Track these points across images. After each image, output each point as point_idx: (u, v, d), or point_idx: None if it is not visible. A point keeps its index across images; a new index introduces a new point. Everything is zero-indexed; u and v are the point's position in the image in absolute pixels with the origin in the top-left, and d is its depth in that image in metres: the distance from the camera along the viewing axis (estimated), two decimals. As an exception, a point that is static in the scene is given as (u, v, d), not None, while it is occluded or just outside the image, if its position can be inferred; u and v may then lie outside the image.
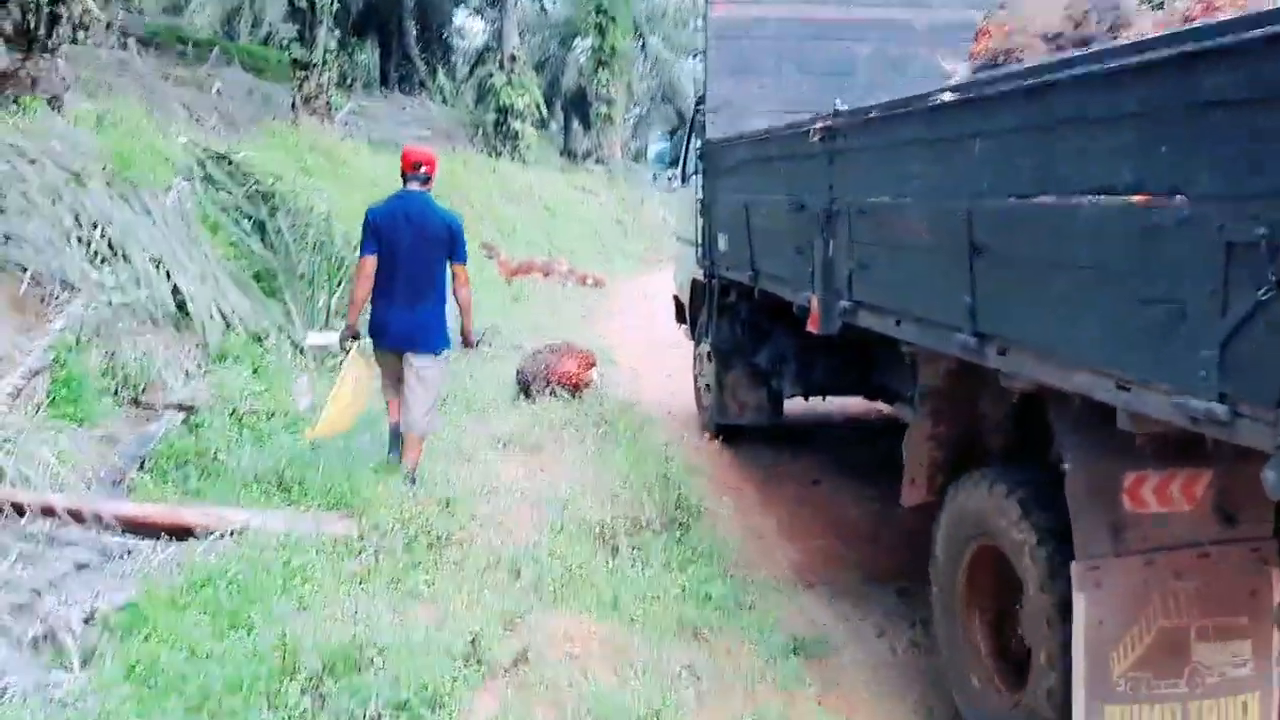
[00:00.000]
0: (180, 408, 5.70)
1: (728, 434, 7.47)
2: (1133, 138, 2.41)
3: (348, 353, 5.76)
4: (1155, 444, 2.68)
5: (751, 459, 6.73)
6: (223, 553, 4.24)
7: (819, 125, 4.43)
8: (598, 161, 32.94)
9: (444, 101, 34.17)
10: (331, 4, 18.01)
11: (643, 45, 37.13)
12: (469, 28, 41.76)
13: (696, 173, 7.55)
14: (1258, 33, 1.96)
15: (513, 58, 26.06)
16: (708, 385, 7.57)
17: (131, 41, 19.10)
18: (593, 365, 8.15)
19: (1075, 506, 2.95)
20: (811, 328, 4.65)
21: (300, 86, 18.27)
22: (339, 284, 9.15)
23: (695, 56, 41.45)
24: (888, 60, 6.50)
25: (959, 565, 3.70)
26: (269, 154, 12.16)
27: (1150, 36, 2.76)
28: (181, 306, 6.92)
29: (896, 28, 6.82)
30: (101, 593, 3.72)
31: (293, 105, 17.71)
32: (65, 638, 3.44)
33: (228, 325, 7.26)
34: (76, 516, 4.23)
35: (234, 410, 5.82)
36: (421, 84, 32.58)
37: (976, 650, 3.65)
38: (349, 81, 28.22)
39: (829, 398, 7.03)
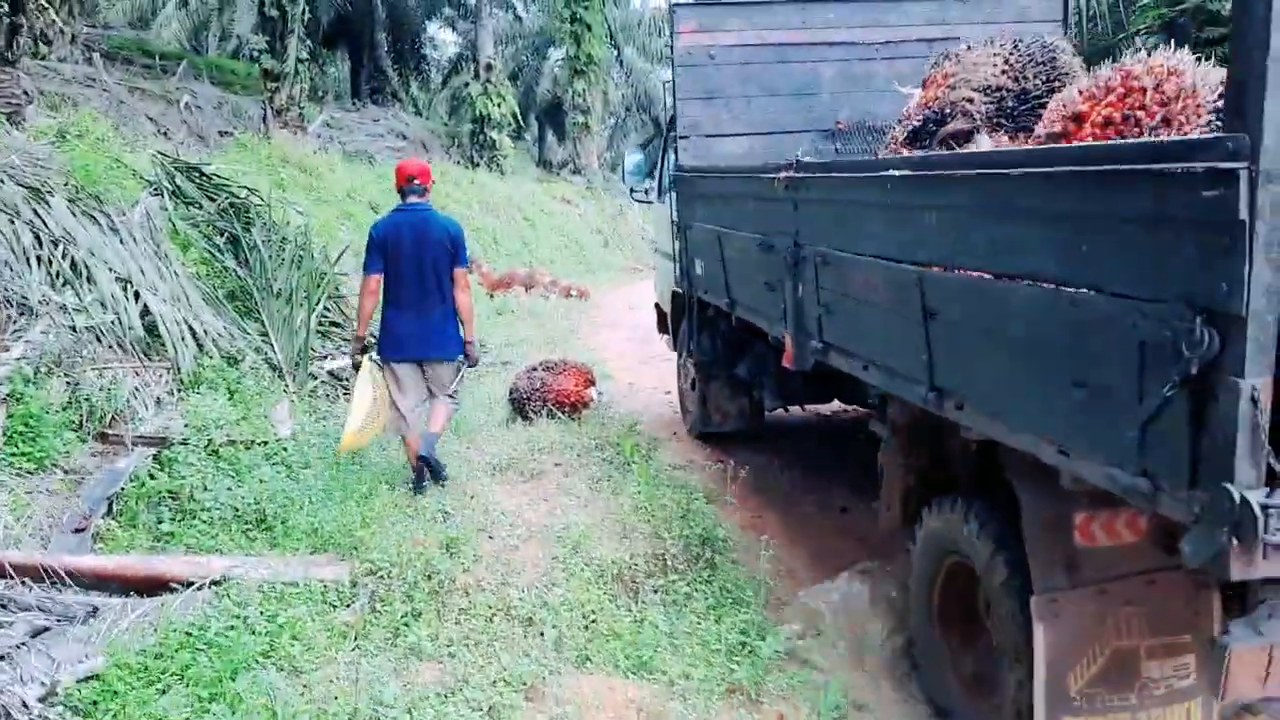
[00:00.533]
0: (150, 441, 5.21)
1: (712, 439, 7.52)
2: (1063, 234, 2.58)
3: (357, 368, 5.86)
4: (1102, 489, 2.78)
5: (768, 485, 6.23)
6: (201, 608, 3.78)
7: (782, 175, 4.50)
8: (575, 172, 32.57)
9: (418, 113, 33.73)
10: (303, 13, 17.55)
11: (618, 54, 36.79)
12: (441, 39, 41.41)
13: (672, 189, 7.61)
14: (1156, 166, 2.17)
15: (489, 66, 25.63)
16: (691, 389, 7.73)
17: (97, 56, 18.53)
18: (592, 383, 7.71)
19: (1031, 545, 3.15)
20: (787, 363, 4.81)
21: (271, 98, 17.77)
22: (318, 301, 8.68)
23: (669, 67, 41.34)
24: (850, 77, 6.63)
25: (935, 581, 3.90)
26: (241, 167, 11.70)
27: (1080, 145, 3.07)
28: (151, 329, 6.44)
29: (856, 47, 7.07)
30: (62, 664, 3.26)
31: (264, 118, 17.22)
32: None
33: (201, 348, 6.80)
34: (33, 574, 3.75)
35: (209, 442, 5.33)
36: (394, 96, 32.10)
37: (951, 660, 3.87)
38: (321, 94, 27.73)
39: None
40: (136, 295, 6.45)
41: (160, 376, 6.19)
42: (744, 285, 5.68)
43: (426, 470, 5.65)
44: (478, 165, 24.38)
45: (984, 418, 3.15)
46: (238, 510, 4.72)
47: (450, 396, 5.89)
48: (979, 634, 3.76)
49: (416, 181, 5.82)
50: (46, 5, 16.29)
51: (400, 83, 34.38)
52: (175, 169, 8.75)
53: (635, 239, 29.49)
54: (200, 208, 8.55)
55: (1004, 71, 4.16)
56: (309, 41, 18.74)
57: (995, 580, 3.41)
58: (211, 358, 6.73)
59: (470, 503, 5.46)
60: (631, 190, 10.16)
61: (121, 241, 6.81)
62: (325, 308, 9.00)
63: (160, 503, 4.77)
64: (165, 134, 15.21)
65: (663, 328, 9.07)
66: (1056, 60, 4.21)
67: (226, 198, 8.75)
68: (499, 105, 25.66)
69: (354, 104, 27.80)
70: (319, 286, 8.92)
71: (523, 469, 6.17)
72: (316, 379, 7.79)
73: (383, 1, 29.57)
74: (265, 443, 5.69)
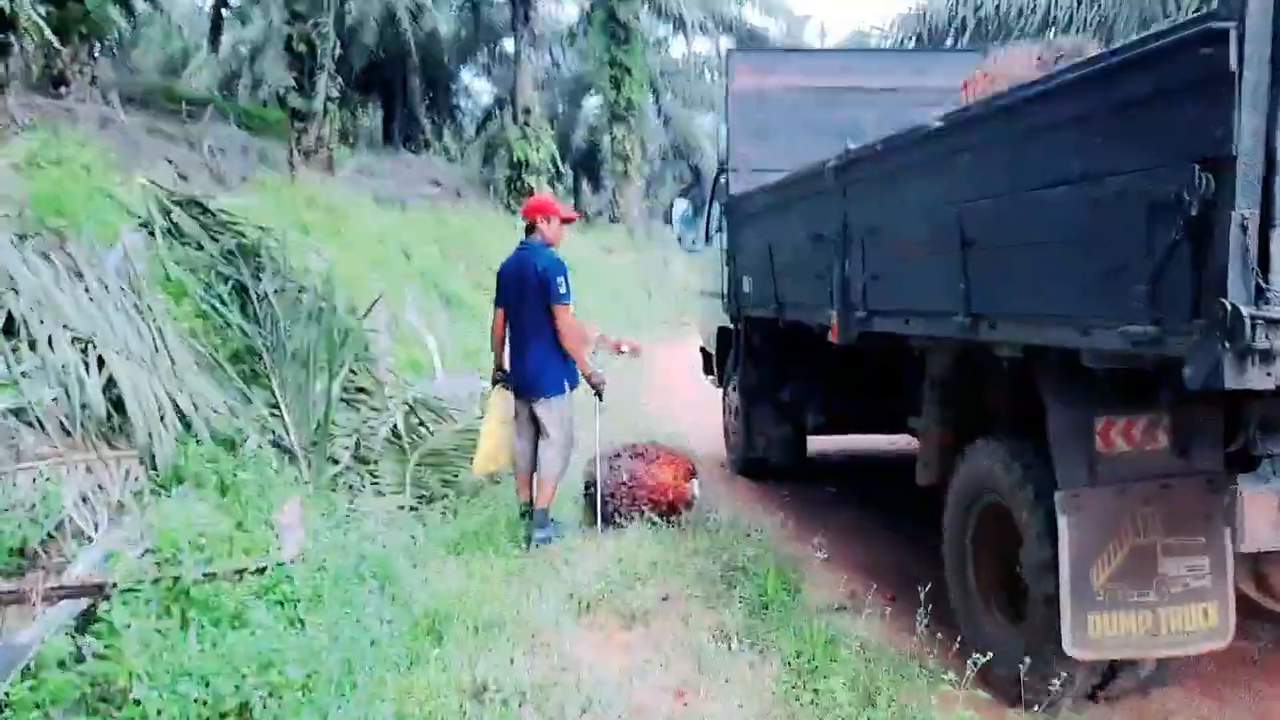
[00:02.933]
0: (82, 591, 3.51)
1: (754, 470, 7.85)
2: (1079, 137, 3.04)
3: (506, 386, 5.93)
4: (1121, 391, 3.33)
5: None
6: None
7: (833, 162, 5.04)
8: (613, 220, 31.22)
9: (451, 161, 32.59)
10: (333, 49, 16.26)
11: (656, 100, 35.63)
12: (475, 88, 40.52)
13: (720, 230, 8.19)
14: (1153, 46, 2.70)
15: (527, 110, 24.33)
16: (735, 423, 8.12)
17: (114, 95, 17.31)
18: (693, 474, 6.02)
19: (1057, 448, 3.51)
20: (833, 338, 5.17)
21: (299, 139, 16.51)
22: (342, 364, 7.08)
23: (710, 112, 40.34)
24: (892, 123, 6.45)
25: (968, 523, 4.26)
26: (260, 208, 10.22)
27: (1085, 58, 3.36)
28: (119, 406, 4.87)
29: (899, 93, 7.33)
30: None
31: (290, 158, 15.88)
32: None
33: (188, 428, 5.20)
34: None
35: (175, 582, 3.61)
36: (426, 143, 31.01)
37: (985, 595, 4.17)
38: (352, 140, 26.62)
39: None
40: (100, 361, 4.89)
41: (126, 473, 4.59)
42: (791, 285, 6.20)
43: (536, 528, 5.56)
44: (515, 212, 22.96)
45: (1015, 327, 3.54)
46: (203, 707, 3.02)
47: (550, 444, 5.68)
48: (1010, 571, 3.93)
49: (531, 219, 5.87)
50: (60, 47, 15.20)
51: (433, 130, 33.40)
52: (172, 202, 7.23)
53: (680, 291, 27.96)
54: (201, 249, 7.01)
55: (1037, 67, 4.44)
56: (339, 80, 17.43)
57: (1027, 502, 3.70)
58: (201, 442, 5.12)
59: (550, 665, 3.77)
60: (679, 239, 10.39)
61: (87, 290, 5.25)
62: (352, 370, 7.42)
63: (82, 707, 3.08)
64: (184, 177, 13.91)
65: (708, 369, 9.54)
66: (1084, 53, 4.32)
67: (233, 238, 7.21)
68: (537, 149, 24.33)
69: (386, 150, 26.61)
70: (344, 345, 7.34)
71: (619, 607, 4.44)
72: (338, 464, 6.16)
73: (416, 48, 28.46)
74: (263, 569, 4.03)
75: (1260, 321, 2.45)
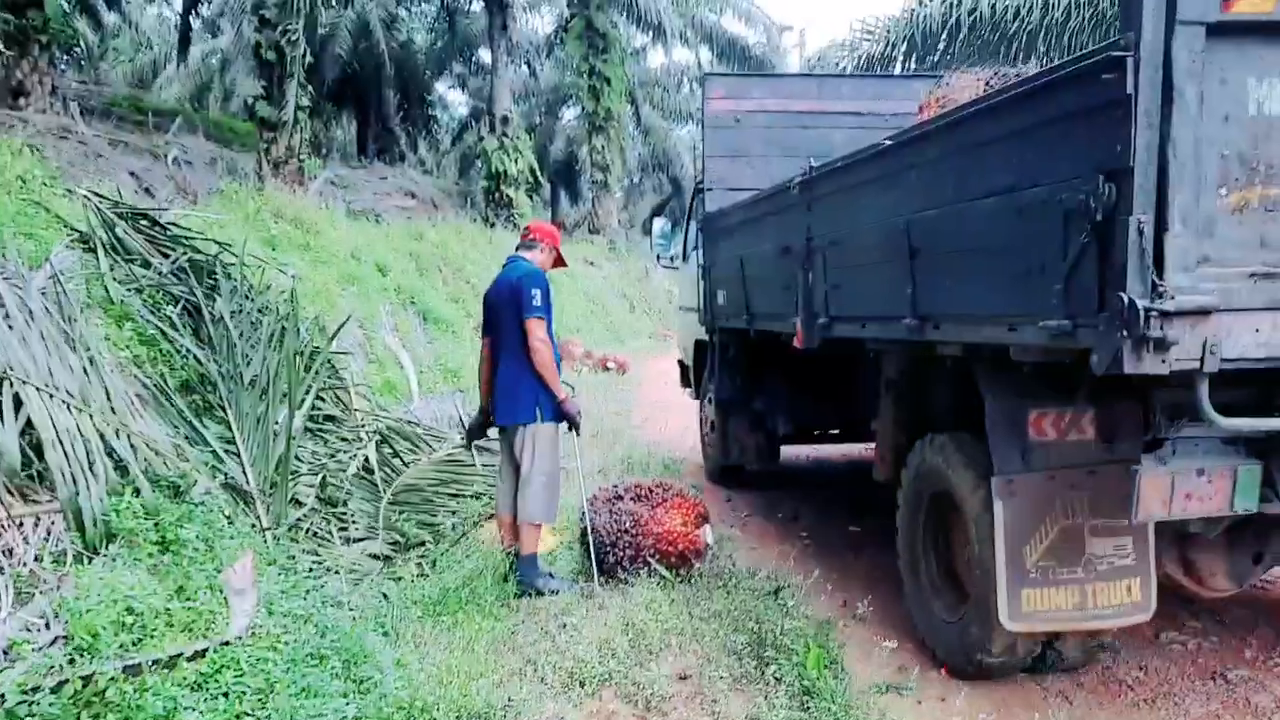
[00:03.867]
0: None
1: (728, 477, 8.27)
2: (1005, 153, 3.38)
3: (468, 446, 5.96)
4: (1050, 387, 3.68)
5: None
6: None
7: (798, 179, 5.40)
8: (593, 231, 30.59)
9: (427, 173, 31.89)
10: (304, 57, 15.53)
11: (635, 111, 35.08)
12: (451, 99, 39.87)
13: (697, 247, 8.53)
14: (1063, 73, 3.03)
15: (505, 119, 23.62)
16: (711, 432, 8.47)
17: (74, 106, 16.54)
18: (705, 519, 5.34)
19: (993, 438, 3.77)
20: (797, 344, 5.48)
21: (267, 150, 15.76)
22: (307, 391, 6.40)
23: (688, 123, 39.82)
24: (859, 144, 6.61)
25: (919, 514, 4.63)
26: (223, 221, 9.51)
27: (1012, 81, 3.86)
28: (40, 451, 4.17)
29: (864, 116, 7.72)
30: None
31: (258, 169, 15.14)
32: None
33: (124, 474, 4.51)
34: None
35: (86, 684, 2.89)
36: (401, 155, 30.28)
37: (933, 581, 4.55)
38: (324, 151, 25.87)
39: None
40: (16, 401, 4.19)
41: (46, 532, 3.89)
42: (761, 296, 6.52)
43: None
44: (493, 225, 22.28)
45: (955, 327, 3.90)
46: None
47: (527, 484, 5.09)
48: (958, 556, 4.37)
49: (530, 235, 5.49)
50: (19, 57, 14.49)
51: (408, 142, 32.72)
52: (117, 215, 6.53)
53: (662, 303, 27.35)
54: (148, 267, 6.31)
55: (983, 91, 4.77)
56: (310, 90, 16.70)
57: (970, 489, 4.04)
58: (139, 491, 4.42)
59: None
60: (659, 257, 10.58)
61: (6, 317, 4.55)
62: (319, 397, 6.73)
63: None
64: (148, 190, 13.17)
65: (685, 381, 9.83)
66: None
67: (185, 254, 6.50)
68: (516, 160, 23.62)
69: (360, 161, 25.88)
70: (309, 369, 6.66)
71: (630, 690, 3.73)
72: (302, 506, 5.47)
73: (390, 58, 27.75)
74: (202, 653, 3.35)
75: (1154, 314, 2.73)
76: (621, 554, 5.01)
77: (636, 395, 13.01)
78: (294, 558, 4.79)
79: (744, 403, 7.80)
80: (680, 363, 10.13)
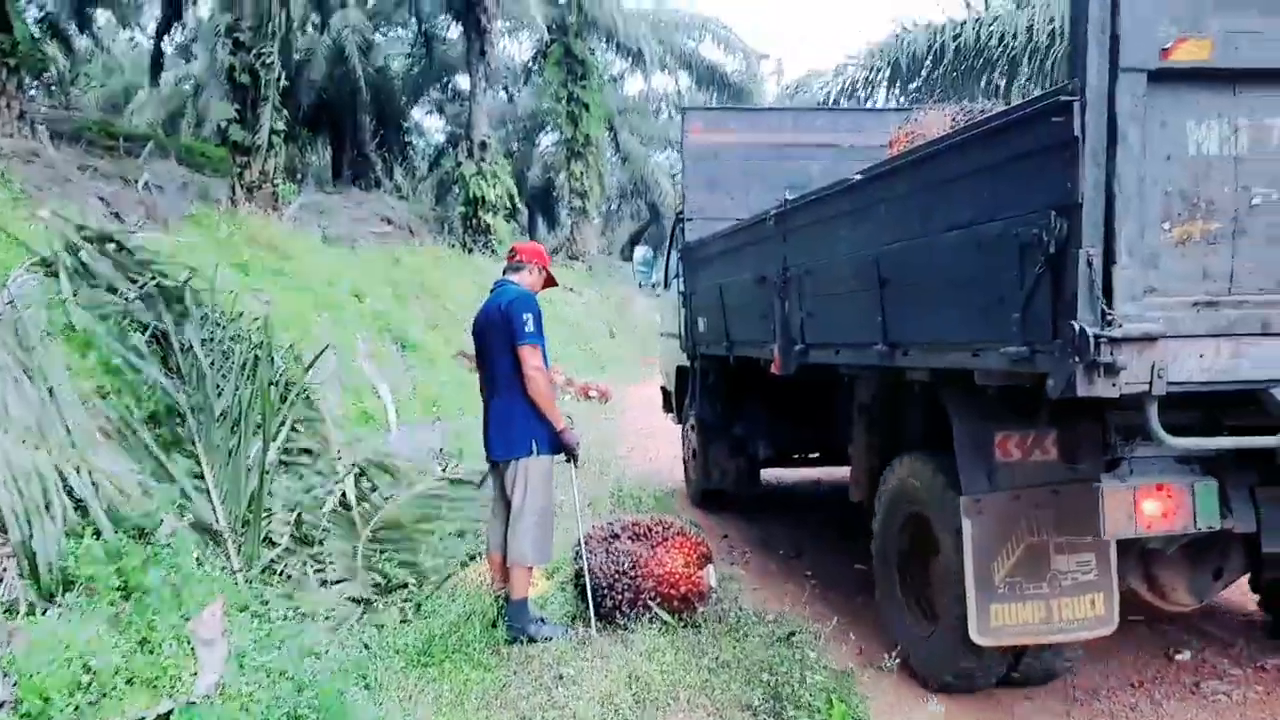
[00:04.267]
0: None
1: (710, 500, 8.38)
2: (966, 189, 3.59)
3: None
4: (1014, 410, 3.80)
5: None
6: None
7: (773, 211, 5.60)
8: (571, 257, 30.40)
9: (403, 198, 31.59)
10: (278, 80, 15.26)
11: (614, 137, 35.01)
12: (427, 126, 39.66)
13: (678, 275, 8.64)
14: (1017, 115, 3.28)
15: (483, 144, 23.41)
16: (693, 457, 8.57)
17: (43, 130, 16.18)
18: (708, 559, 5.06)
19: (960, 459, 3.95)
20: (775, 370, 5.69)
21: (241, 174, 15.44)
22: (281, 423, 6.09)
23: (667, 149, 39.77)
24: (835, 174, 6.85)
25: (892, 534, 4.78)
26: (195, 246, 9.21)
27: (975, 121, 3.99)
28: (-10, 492, 3.85)
29: (841, 148, 7.79)
30: None
31: (231, 193, 14.83)
32: None
33: (83, 515, 4.19)
34: None
35: None
36: (377, 181, 29.97)
37: (906, 598, 4.71)
38: (299, 176, 25.55)
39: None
40: (-36, 435, 3.88)
41: (-7, 580, 3.57)
42: (740, 323, 6.71)
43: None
44: (471, 250, 22.01)
45: (923, 353, 4.09)
46: None
47: (519, 522, 4.73)
48: (928, 574, 4.48)
49: (518, 257, 5.17)
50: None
51: (384, 168, 32.41)
52: (83, 239, 6.22)
53: (643, 330, 27.11)
54: (114, 292, 6.00)
55: (951, 127, 4.84)
56: (285, 114, 16.41)
57: (941, 507, 4.17)
58: (100, 533, 4.10)
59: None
60: (641, 285, 10.83)
61: (-44, 344, 4.25)
62: (294, 428, 6.42)
63: None
64: (117, 215, 12.82)
65: (667, 406, 9.96)
66: (988, 112, 4.80)
67: (153, 279, 6.20)
68: (494, 186, 23.41)
69: (336, 186, 25.56)
70: (284, 400, 6.35)
71: None
72: (276, 545, 5.15)
73: (366, 84, 27.49)
74: (167, 715, 3.04)
75: (1104, 340, 2.90)
76: (620, 597, 4.71)
77: (620, 424, 12.73)
78: (267, 603, 4.46)
79: (724, 427, 7.95)
80: (663, 388, 10.22)
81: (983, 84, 14.80)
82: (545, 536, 4.83)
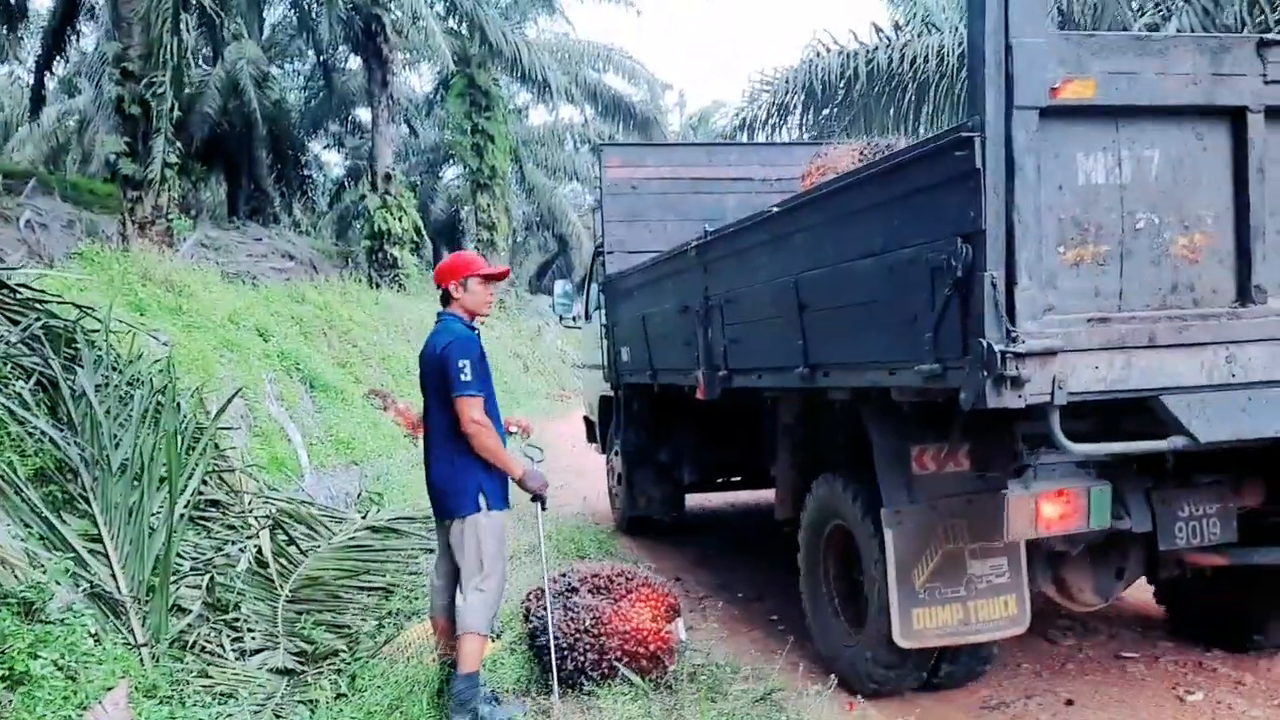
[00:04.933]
0: None
1: (637, 528, 8.52)
2: (881, 217, 3.84)
3: None
4: (929, 425, 4.09)
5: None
6: None
7: (694, 243, 5.85)
8: (479, 292, 29.74)
9: (304, 233, 30.66)
10: (170, 111, 14.53)
11: (519, 169, 34.65)
12: (326, 160, 38.80)
13: (599, 307, 8.85)
14: (922, 150, 3.62)
15: (387, 177, 22.88)
16: (618, 485, 8.74)
17: (-95, 169, 15.14)
18: (676, 612, 4.68)
19: (881, 473, 4.22)
20: (700, 396, 5.89)
21: (132, 209, 14.68)
22: (190, 475, 5.55)
23: (572, 180, 39.62)
24: (749, 207, 7.05)
25: (818, 549, 5.04)
26: (84, 283, 8.54)
27: (882, 156, 4.41)
28: None
29: (754, 182, 8.18)
30: None
31: (122, 230, 14.05)
32: None
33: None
34: None
35: None
36: (275, 217, 29.03)
37: (833, 608, 4.97)
38: (194, 212, 24.57)
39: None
40: None
41: None
42: (664, 352, 6.92)
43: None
44: (378, 286, 21.35)
45: (842, 373, 4.34)
46: None
47: (472, 589, 4.27)
48: (854, 584, 4.75)
49: (442, 285, 4.57)
50: None
51: (283, 203, 31.46)
52: (-43, 280, 5.62)
53: (555, 362, 26.69)
54: (-5, 337, 5.41)
55: (859, 161, 5.40)
56: (179, 146, 15.65)
57: (861, 522, 4.43)
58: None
59: None
60: (561, 318, 10.77)
61: None
62: (203, 481, 5.88)
63: None
64: (-2, 256, 11.97)
65: (591, 437, 10.25)
66: (893, 148, 5.10)
67: (39, 320, 5.62)
68: (400, 219, 22.84)
69: (233, 222, 24.62)
70: (191, 449, 5.81)
71: None
72: (187, 613, 4.63)
73: (263, 117, 26.63)
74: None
75: (1010, 355, 3.15)
76: (582, 658, 4.32)
77: (546, 461, 12.30)
78: (179, 681, 3.97)
79: (649, 454, 8.15)
80: (586, 419, 10.43)
81: (892, 113, 14.85)
82: (494, 602, 4.38)
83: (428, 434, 4.49)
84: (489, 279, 4.58)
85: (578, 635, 4.34)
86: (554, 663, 4.32)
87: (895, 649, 4.15)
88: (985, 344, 3.17)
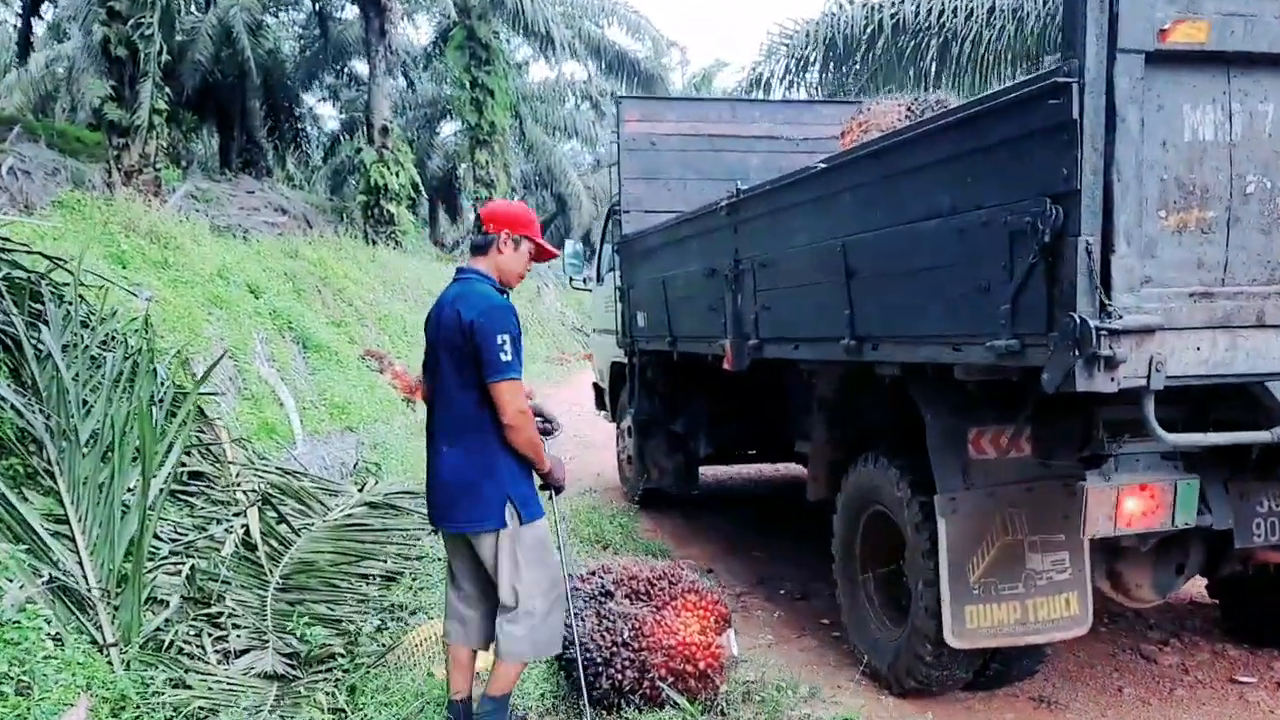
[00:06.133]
0: None
1: (649, 501, 8.19)
2: (951, 174, 3.40)
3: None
4: (989, 405, 3.76)
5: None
6: None
7: (725, 201, 5.36)
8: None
9: (298, 188, 29.91)
10: (159, 54, 13.85)
11: (520, 125, 33.87)
12: (320, 112, 37.92)
13: (612, 269, 8.51)
14: (1018, 94, 3.03)
15: (385, 130, 22.13)
16: (629, 457, 8.44)
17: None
18: (727, 622, 4.11)
19: (935, 457, 3.87)
20: (727, 366, 5.52)
21: (118, 157, 14.07)
22: (169, 447, 5.00)
23: (572, 140, 38.81)
24: (774, 167, 6.84)
25: (855, 533, 4.73)
26: (62, 233, 7.95)
27: (932, 107, 4.38)
28: None
29: (779, 141, 7.86)
30: None
31: (107, 177, 13.42)
32: None
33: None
34: None
35: None
36: (268, 170, 28.29)
37: (871, 600, 4.66)
38: (184, 163, 23.87)
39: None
40: None
41: None
42: (685, 318, 6.44)
43: None
44: (375, 242, 20.70)
45: (894, 347, 3.89)
46: None
47: (520, 613, 3.48)
48: (894, 575, 4.42)
49: (487, 228, 3.70)
50: None
51: (276, 156, 30.73)
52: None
53: (555, 325, 26.14)
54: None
55: (906, 117, 5.12)
56: (168, 92, 14.96)
57: (908, 507, 4.10)
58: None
59: None
60: (571, 280, 10.63)
61: None
62: (185, 452, 5.34)
63: None
64: (-25, 203, 11.34)
65: (600, 404, 9.84)
66: (945, 103, 5.14)
67: (1, 272, 5.04)
68: (397, 174, 22.13)
69: (225, 174, 23.90)
70: (173, 419, 5.27)
71: None
72: (165, 606, 4.10)
73: (257, 67, 25.81)
74: None
75: (1104, 332, 2.79)
76: (619, 675, 3.75)
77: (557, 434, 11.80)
78: (153, 691, 3.43)
79: (663, 424, 7.83)
80: (595, 385, 10.05)
81: (911, 73, 14.25)
82: (559, 622, 3.63)
83: (437, 419, 3.60)
84: (540, 256, 3.82)
85: (614, 649, 3.76)
86: (583, 681, 3.72)
87: (943, 647, 3.83)
88: (1078, 319, 2.79)
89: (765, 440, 7.63)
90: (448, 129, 37.68)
